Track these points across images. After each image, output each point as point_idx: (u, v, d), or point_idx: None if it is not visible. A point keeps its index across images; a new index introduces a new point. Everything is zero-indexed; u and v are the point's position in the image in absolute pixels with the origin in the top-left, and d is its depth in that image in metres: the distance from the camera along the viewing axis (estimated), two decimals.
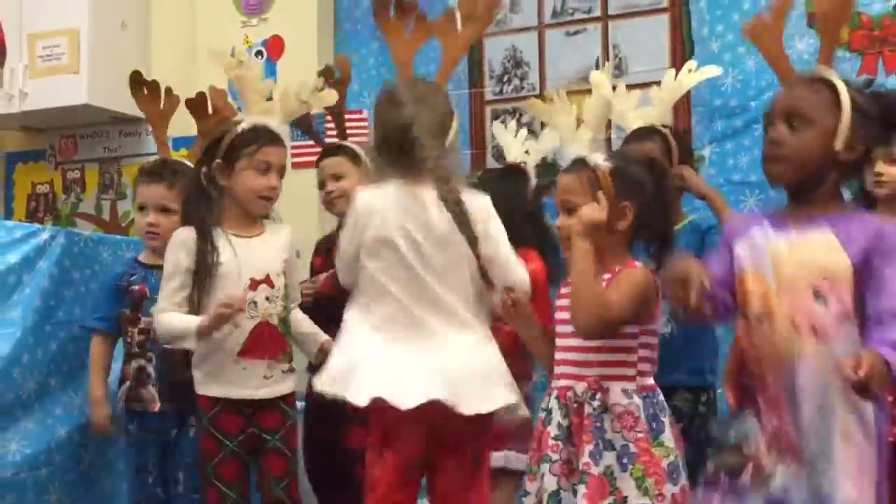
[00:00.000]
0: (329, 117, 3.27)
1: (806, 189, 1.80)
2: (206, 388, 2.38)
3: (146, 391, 2.58)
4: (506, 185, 2.74)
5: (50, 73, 3.82)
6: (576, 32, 3.42)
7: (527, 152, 3.04)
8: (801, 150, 1.75)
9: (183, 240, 2.38)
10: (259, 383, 2.38)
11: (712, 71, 2.77)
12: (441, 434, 2.00)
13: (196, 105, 3.10)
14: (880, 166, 2.73)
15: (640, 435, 1.84)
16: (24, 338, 2.59)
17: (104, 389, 2.63)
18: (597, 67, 3.32)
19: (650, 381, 1.93)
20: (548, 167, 2.96)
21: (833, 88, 1.76)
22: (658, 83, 2.81)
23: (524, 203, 2.66)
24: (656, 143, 2.60)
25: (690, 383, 2.51)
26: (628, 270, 1.92)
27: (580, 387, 1.89)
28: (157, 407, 2.57)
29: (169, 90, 3.18)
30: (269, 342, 2.40)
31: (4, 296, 2.58)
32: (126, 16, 3.96)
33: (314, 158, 3.34)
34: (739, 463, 1.73)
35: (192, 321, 2.31)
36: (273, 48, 3.71)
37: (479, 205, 2.08)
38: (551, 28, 3.46)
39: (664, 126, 2.66)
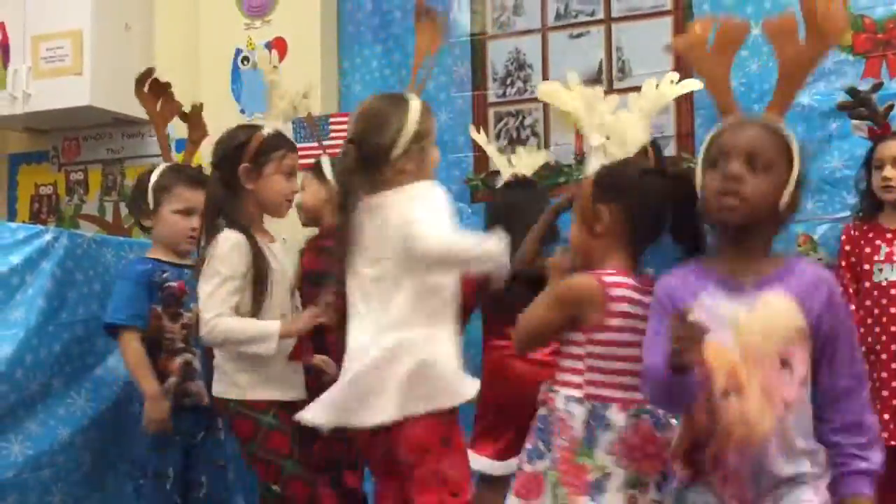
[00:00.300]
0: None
1: (748, 237, 1.73)
2: (262, 391, 2.36)
3: (194, 385, 2.62)
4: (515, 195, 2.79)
5: (53, 74, 3.83)
6: (579, 35, 3.42)
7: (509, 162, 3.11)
8: (758, 192, 1.69)
9: (236, 244, 2.33)
10: (301, 383, 2.43)
11: (693, 84, 2.75)
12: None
13: (191, 115, 3.13)
14: (889, 171, 2.73)
15: (564, 443, 1.84)
16: (27, 339, 2.59)
17: (158, 385, 2.60)
18: (600, 70, 3.33)
19: (607, 392, 1.86)
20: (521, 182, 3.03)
21: (786, 143, 1.73)
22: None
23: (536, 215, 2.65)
24: None
25: None
26: (564, 282, 1.92)
27: (543, 388, 1.96)
28: (206, 400, 2.59)
29: (171, 95, 3.17)
30: (308, 344, 2.47)
31: (7, 297, 2.58)
32: (129, 17, 3.97)
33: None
34: None
35: (272, 325, 2.31)
36: (276, 50, 3.71)
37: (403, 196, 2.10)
38: (554, 30, 3.46)
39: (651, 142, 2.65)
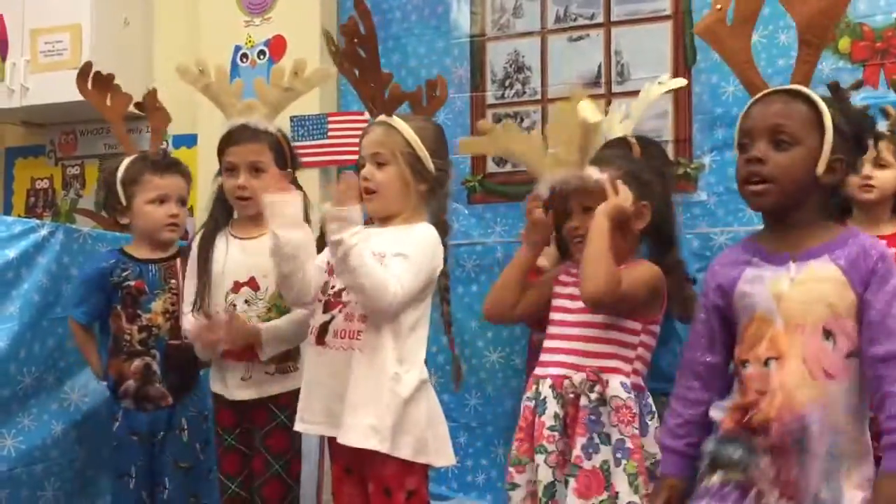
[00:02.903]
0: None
1: (788, 213, 1.71)
2: (212, 385, 2.52)
3: (154, 389, 2.59)
4: None
5: (51, 68, 3.82)
6: (578, 38, 3.41)
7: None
8: (788, 170, 1.66)
9: (196, 241, 2.52)
10: (237, 384, 2.45)
11: (677, 82, 2.76)
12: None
13: (145, 103, 3.12)
14: (868, 170, 2.67)
15: (636, 431, 1.83)
16: (21, 333, 2.59)
17: (97, 363, 2.68)
18: (599, 73, 3.34)
19: (642, 382, 1.92)
20: None
21: (814, 106, 1.68)
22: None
23: None
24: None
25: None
26: (643, 262, 1.93)
27: (578, 377, 1.89)
28: (170, 401, 2.58)
29: (117, 87, 3.12)
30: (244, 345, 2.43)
31: (2, 291, 2.58)
32: (128, 12, 3.97)
33: (317, 159, 3.35)
34: (746, 481, 1.65)
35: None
36: (275, 48, 3.71)
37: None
38: (554, 34, 3.46)
39: (635, 137, 2.65)
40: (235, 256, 2.49)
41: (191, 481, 2.62)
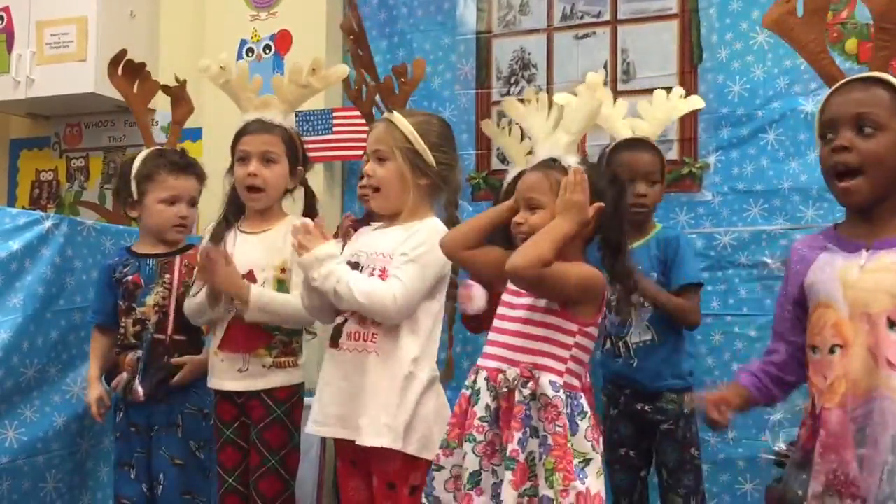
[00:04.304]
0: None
1: (874, 205, 1.67)
2: (209, 380, 2.52)
3: (143, 383, 2.58)
4: None
5: (57, 60, 3.82)
6: (584, 36, 3.41)
7: (530, 153, 3.05)
8: (876, 155, 1.62)
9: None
10: (234, 376, 2.45)
11: (697, 102, 2.77)
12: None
13: (175, 91, 3.05)
14: None
15: (558, 429, 1.84)
16: (24, 325, 2.59)
17: (96, 371, 2.65)
18: (605, 71, 3.32)
19: (576, 382, 1.91)
20: None
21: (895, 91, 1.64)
22: (667, 88, 2.81)
23: None
24: (653, 157, 2.62)
25: (675, 386, 2.56)
26: (582, 263, 1.92)
27: (511, 372, 1.90)
28: (141, 398, 2.56)
29: (147, 75, 3.10)
30: (241, 336, 2.45)
31: (6, 283, 2.58)
32: (134, 5, 3.97)
33: (322, 154, 3.36)
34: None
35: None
36: (281, 43, 3.70)
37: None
38: (560, 31, 3.45)
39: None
40: (239, 250, 2.50)
41: (185, 478, 2.59)
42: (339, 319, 2.15)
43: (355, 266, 2.15)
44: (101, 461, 2.87)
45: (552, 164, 1.97)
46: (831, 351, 1.65)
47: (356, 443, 2.06)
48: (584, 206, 1.87)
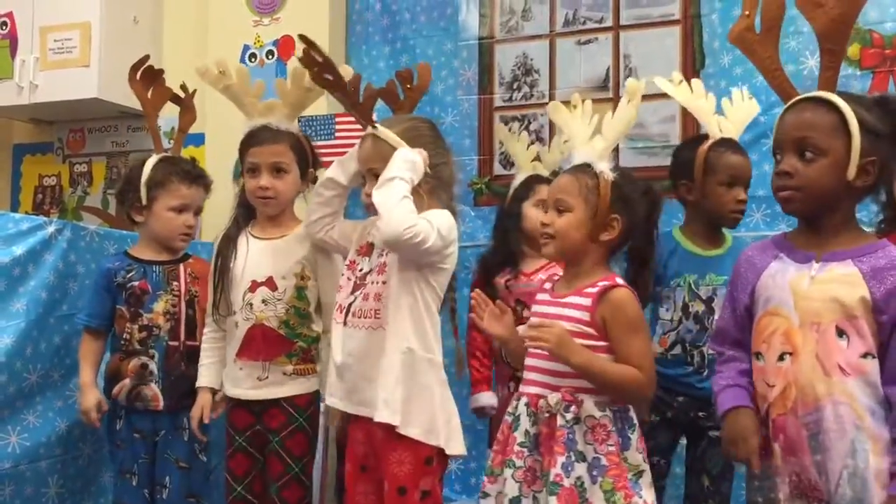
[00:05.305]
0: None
1: (819, 217, 1.74)
2: (225, 387, 2.51)
3: (149, 389, 2.58)
4: None
5: (61, 65, 3.84)
6: (587, 42, 3.42)
7: (537, 158, 3.06)
8: (815, 181, 1.70)
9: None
10: (253, 384, 2.44)
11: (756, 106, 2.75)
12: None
13: (184, 99, 3.04)
14: None
15: (611, 448, 1.85)
16: (27, 330, 2.59)
17: (91, 376, 2.62)
18: (607, 77, 3.33)
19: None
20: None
21: (838, 111, 1.69)
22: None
23: None
24: (749, 164, 2.54)
25: None
26: (621, 295, 1.92)
27: (553, 397, 1.90)
28: (161, 405, 2.57)
29: (162, 81, 3.07)
30: (261, 344, 2.44)
31: (9, 288, 2.58)
32: (138, 11, 3.98)
33: (325, 159, 3.35)
34: None
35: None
36: (284, 48, 3.71)
37: None
38: (562, 37, 3.46)
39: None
40: (255, 257, 2.49)
41: (190, 482, 2.61)
42: (350, 298, 2.18)
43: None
44: (104, 466, 2.86)
45: (586, 168, 2.00)
46: (780, 358, 1.70)
47: (375, 419, 2.06)
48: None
